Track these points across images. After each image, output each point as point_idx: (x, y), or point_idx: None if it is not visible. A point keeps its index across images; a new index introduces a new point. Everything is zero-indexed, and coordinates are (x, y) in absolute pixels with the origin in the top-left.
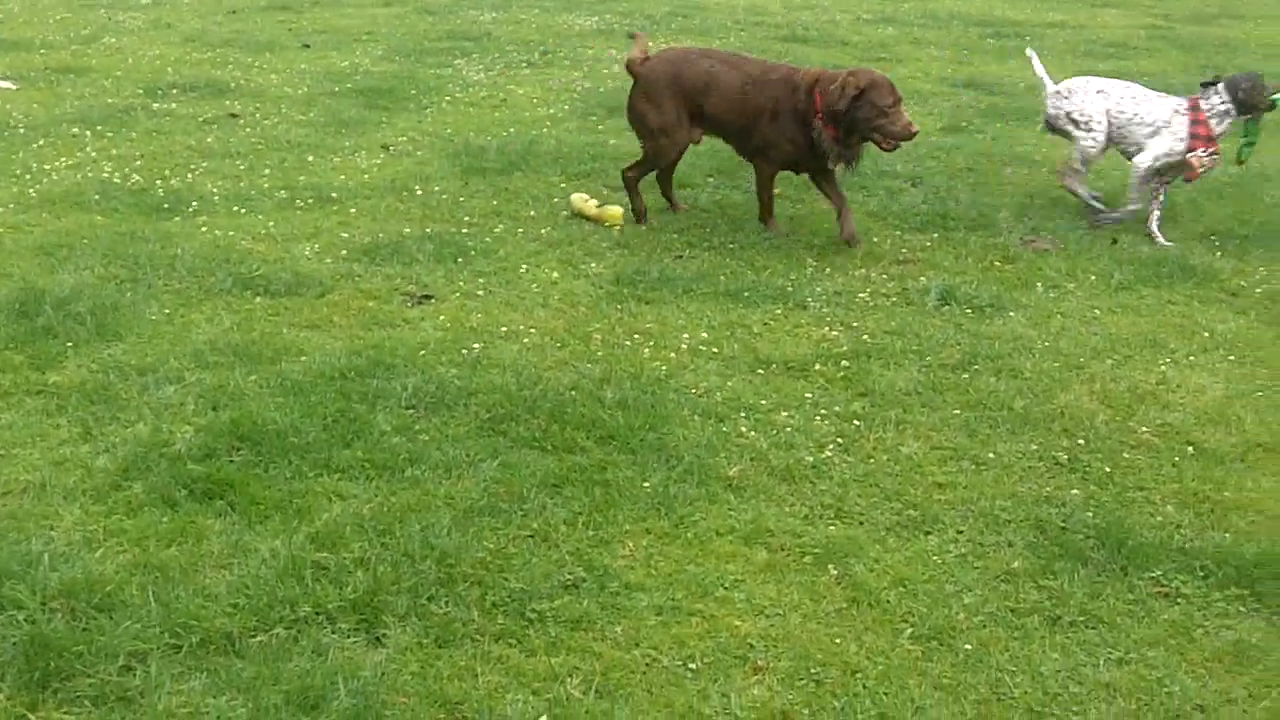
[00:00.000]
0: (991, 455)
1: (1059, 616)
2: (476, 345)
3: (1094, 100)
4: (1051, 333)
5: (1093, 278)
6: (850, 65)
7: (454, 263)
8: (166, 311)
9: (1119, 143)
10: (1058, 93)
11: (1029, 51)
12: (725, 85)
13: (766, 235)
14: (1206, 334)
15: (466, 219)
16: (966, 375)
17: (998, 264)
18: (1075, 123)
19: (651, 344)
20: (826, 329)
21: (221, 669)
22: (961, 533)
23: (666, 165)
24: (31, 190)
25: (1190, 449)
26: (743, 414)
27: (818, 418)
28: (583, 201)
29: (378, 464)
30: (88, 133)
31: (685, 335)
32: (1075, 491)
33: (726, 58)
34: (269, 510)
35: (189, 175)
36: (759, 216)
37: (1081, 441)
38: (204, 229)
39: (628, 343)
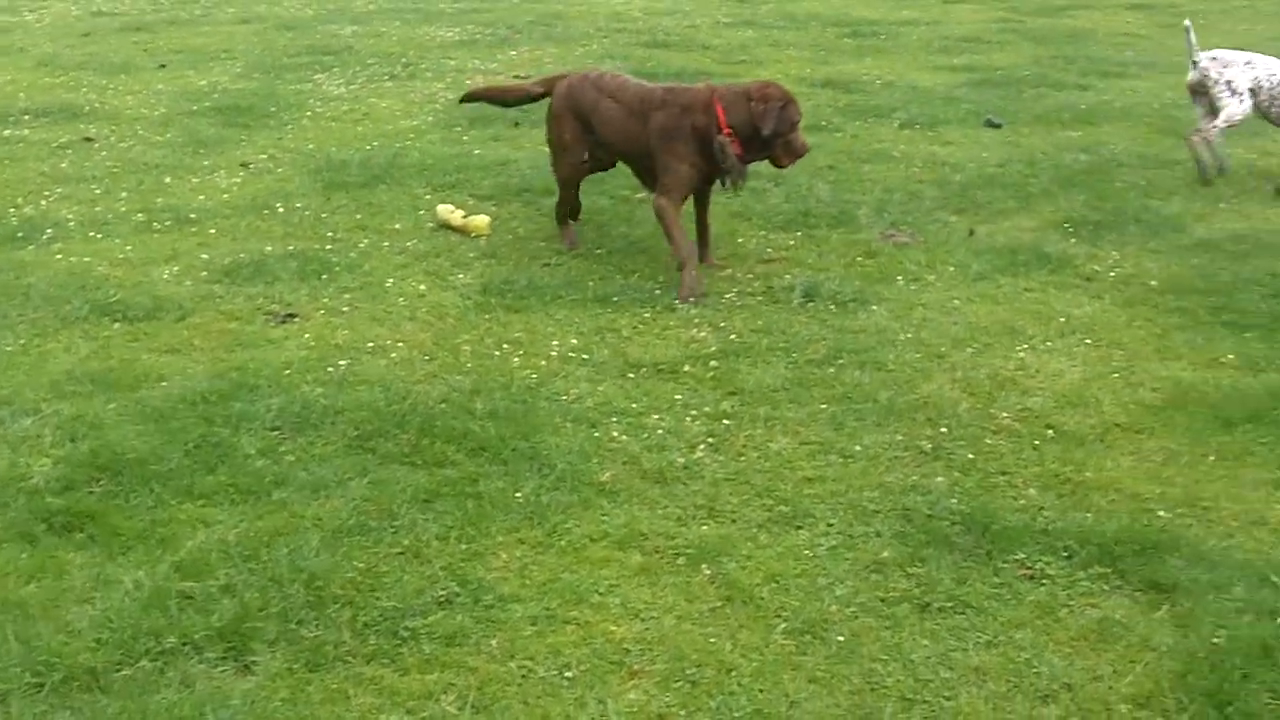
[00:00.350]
0: (858, 447)
1: (928, 603)
2: (343, 362)
3: (1244, 71)
4: (913, 324)
5: (951, 269)
6: (711, 69)
7: (318, 279)
8: (22, 342)
9: (1268, 109)
10: (1214, 59)
11: (1187, 23)
12: (607, 114)
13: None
14: (1063, 319)
15: (330, 235)
16: (832, 370)
17: (860, 259)
18: (1231, 90)
19: (521, 353)
20: (695, 330)
21: (86, 706)
22: (831, 525)
23: (572, 187)
24: None
25: (1050, 432)
26: (614, 418)
27: (688, 418)
28: (448, 212)
29: (242, 488)
30: None
31: (555, 342)
32: (940, 479)
33: (611, 86)
34: (131, 541)
35: (42, 202)
36: (678, 266)
37: (945, 430)
38: (59, 256)
39: (497, 353)
